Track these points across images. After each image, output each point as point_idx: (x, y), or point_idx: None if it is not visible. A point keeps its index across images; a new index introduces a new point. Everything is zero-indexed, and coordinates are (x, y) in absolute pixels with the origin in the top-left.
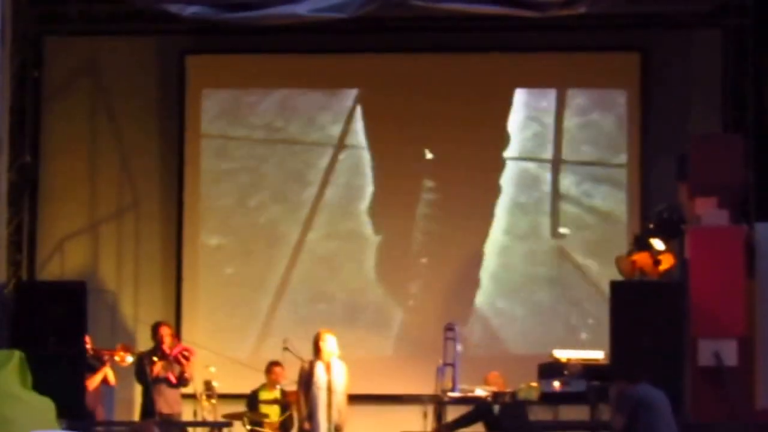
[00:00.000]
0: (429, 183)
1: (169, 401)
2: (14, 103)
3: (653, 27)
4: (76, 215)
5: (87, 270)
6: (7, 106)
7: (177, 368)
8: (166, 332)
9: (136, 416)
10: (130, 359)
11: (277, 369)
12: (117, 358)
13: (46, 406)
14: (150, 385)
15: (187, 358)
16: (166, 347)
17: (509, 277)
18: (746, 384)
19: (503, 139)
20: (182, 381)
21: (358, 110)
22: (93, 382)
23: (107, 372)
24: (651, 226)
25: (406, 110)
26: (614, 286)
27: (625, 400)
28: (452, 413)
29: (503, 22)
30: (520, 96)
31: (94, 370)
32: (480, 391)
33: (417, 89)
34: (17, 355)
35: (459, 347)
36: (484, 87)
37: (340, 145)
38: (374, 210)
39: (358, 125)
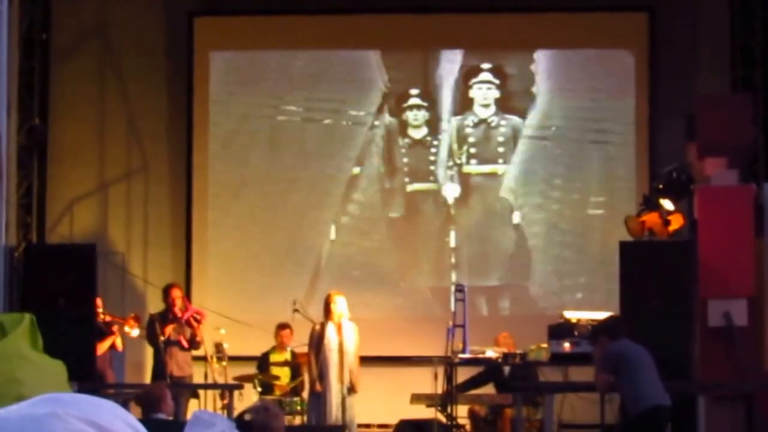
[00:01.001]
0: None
1: (180, 364)
2: (22, 65)
3: None
4: (85, 177)
5: (96, 232)
6: (16, 69)
7: (188, 331)
8: (177, 295)
9: (146, 379)
10: (136, 333)
11: (284, 332)
12: (126, 328)
13: (57, 368)
14: (161, 347)
15: (198, 321)
16: (177, 310)
17: (520, 237)
18: (756, 344)
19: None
20: (194, 344)
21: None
22: (101, 348)
23: (115, 339)
24: (660, 186)
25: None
26: (623, 246)
27: (607, 358)
28: (463, 374)
29: None
30: (528, 54)
31: (102, 336)
32: (490, 353)
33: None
34: (28, 317)
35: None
36: (489, 47)
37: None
38: (385, 177)
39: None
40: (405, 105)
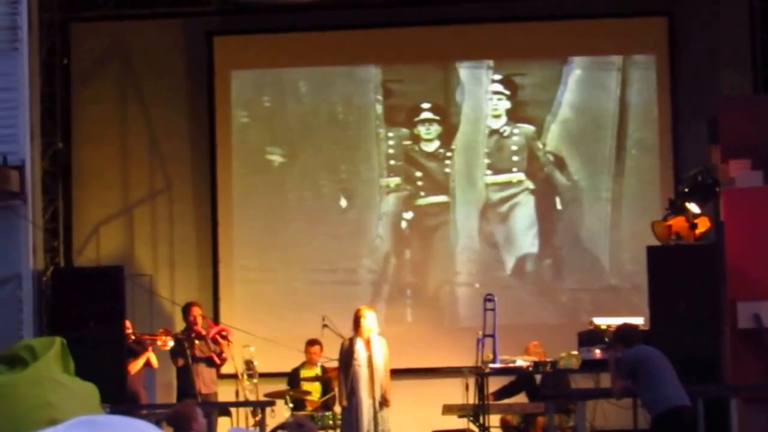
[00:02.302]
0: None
1: (206, 381)
2: (44, 90)
3: None
4: (110, 200)
5: (123, 254)
6: (38, 95)
7: (216, 348)
8: (197, 312)
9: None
10: (171, 343)
11: (312, 348)
12: (159, 343)
13: (89, 391)
14: (189, 365)
15: (225, 338)
16: (199, 327)
17: (546, 246)
18: None
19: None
20: (221, 360)
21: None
22: (135, 367)
23: (150, 356)
24: (685, 189)
25: (433, 82)
26: (651, 251)
27: (622, 364)
28: (494, 384)
29: None
30: (549, 62)
31: (136, 355)
32: (521, 362)
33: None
34: (58, 341)
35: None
36: (504, 56)
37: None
38: (403, 190)
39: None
40: (417, 119)
